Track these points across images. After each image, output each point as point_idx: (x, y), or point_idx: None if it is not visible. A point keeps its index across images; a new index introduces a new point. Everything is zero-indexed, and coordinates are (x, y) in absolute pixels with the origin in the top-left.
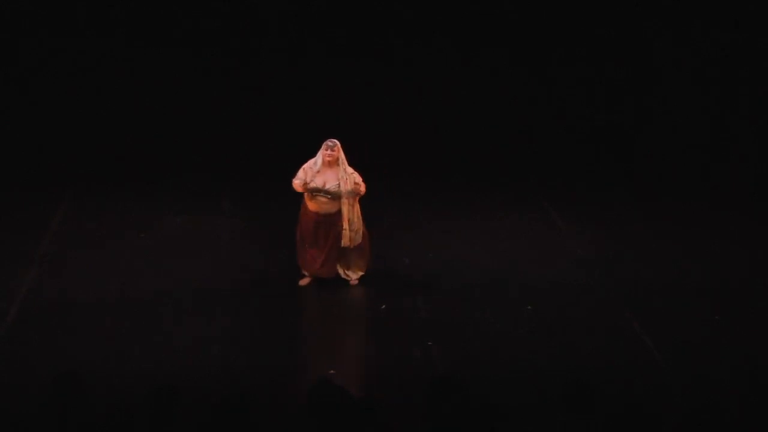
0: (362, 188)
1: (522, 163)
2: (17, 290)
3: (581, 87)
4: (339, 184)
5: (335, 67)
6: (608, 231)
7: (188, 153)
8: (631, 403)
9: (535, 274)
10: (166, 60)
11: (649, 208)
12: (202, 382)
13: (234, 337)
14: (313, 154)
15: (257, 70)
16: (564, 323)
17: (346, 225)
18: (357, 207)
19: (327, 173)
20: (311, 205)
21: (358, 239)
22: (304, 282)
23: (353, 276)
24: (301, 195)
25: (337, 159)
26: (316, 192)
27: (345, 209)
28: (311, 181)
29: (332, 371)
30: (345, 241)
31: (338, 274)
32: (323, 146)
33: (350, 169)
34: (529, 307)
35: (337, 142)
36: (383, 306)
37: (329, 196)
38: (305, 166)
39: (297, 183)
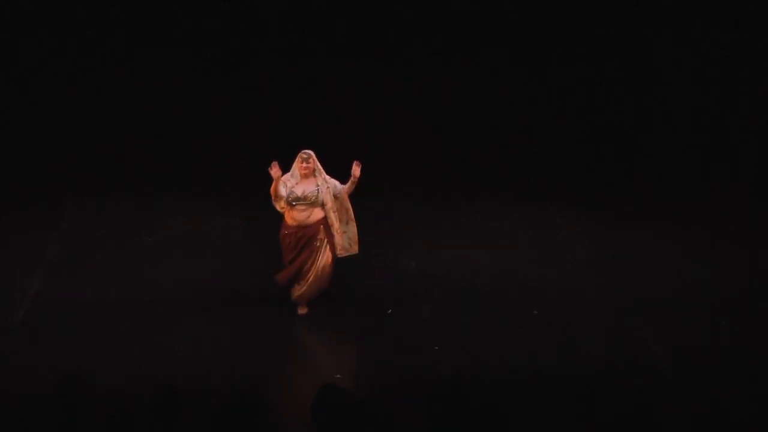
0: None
1: (522, 163)
2: (21, 292)
3: (581, 87)
4: (319, 189)
5: (335, 67)
6: (608, 231)
7: (188, 153)
8: (632, 403)
9: (535, 275)
10: (166, 60)
11: (649, 208)
12: (204, 384)
13: (237, 339)
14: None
15: (257, 70)
16: (564, 323)
17: (335, 232)
18: (342, 215)
19: (305, 184)
20: (290, 219)
21: (353, 248)
22: (302, 311)
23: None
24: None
25: (314, 170)
26: (296, 201)
27: (332, 216)
28: (290, 193)
29: (338, 376)
30: (338, 250)
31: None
32: (298, 158)
33: (329, 177)
34: (536, 312)
35: (312, 153)
36: (389, 311)
37: (308, 203)
38: (283, 178)
39: (278, 202)
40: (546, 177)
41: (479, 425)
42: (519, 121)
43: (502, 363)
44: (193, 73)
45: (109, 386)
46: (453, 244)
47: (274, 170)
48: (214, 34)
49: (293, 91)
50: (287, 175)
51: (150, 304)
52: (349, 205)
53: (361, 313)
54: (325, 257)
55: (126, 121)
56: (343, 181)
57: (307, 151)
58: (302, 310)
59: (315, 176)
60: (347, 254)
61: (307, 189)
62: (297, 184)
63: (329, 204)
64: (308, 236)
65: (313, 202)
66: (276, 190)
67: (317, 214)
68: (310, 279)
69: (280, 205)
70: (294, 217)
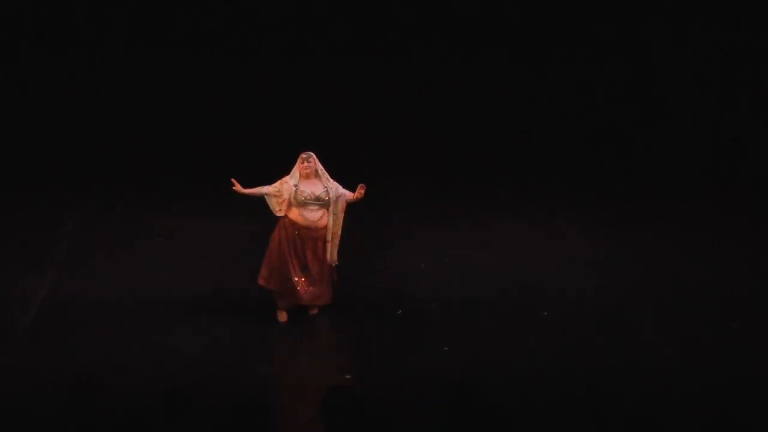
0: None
1: (522, 163)
2: (28, 294)
3: (581, 87)
4: (327, 190)
5: (335, 67)
6: (608, 231)
7: (188, 153)
8: (632, 403)
9: (536, 275)
10: (166, 60)
11: (649, 208)
12: (205, 384)
13: (237, 339)
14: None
15: (257, 70)
16: (564, 323)
17: (329, 238)
18: (340, 220)
19: (308, 185)
20: (301, 219)
21: (335, 257)
22: (283, 318)
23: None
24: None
25: (315, 171)
26: (308, 201)
27: (331, 221)
28: (301, 192)
29: (348, 376)
30: (329, 256)
31: (319, 299)
32: (299, 160)
33: (332, 180)
34: (545, 313)
35: (312, 154)
36: (399, 311)
37: (321, 204)
38: (282, 180)
39: (279, 208)
40: (546, 177)
41: (479, 425)
42: (519, 121)
43: (503, 363)
44: (193, 73)
45: (109, 386)
46: (453, 245)
47: (237, 187)
48: (214, 34)
49: (293, 91)
50: (287, 177)
51: (150, 304)
52: (342, 215)
53: (364, 314)
54: (329, 257)
55: (126, 121)
56: (344, 187)
57: (307, 151)
58: (313, 310)
59: (317, 177)
60: (333, 263)
61: (316, 190)
62: (299, 184)
63: (340, 206)
64: (315, 237)
65: (325, 203)
66: (259, 193)
67: (326, 215)
68: (321, 278)
69: (278, 203)
70: (306, 217)
